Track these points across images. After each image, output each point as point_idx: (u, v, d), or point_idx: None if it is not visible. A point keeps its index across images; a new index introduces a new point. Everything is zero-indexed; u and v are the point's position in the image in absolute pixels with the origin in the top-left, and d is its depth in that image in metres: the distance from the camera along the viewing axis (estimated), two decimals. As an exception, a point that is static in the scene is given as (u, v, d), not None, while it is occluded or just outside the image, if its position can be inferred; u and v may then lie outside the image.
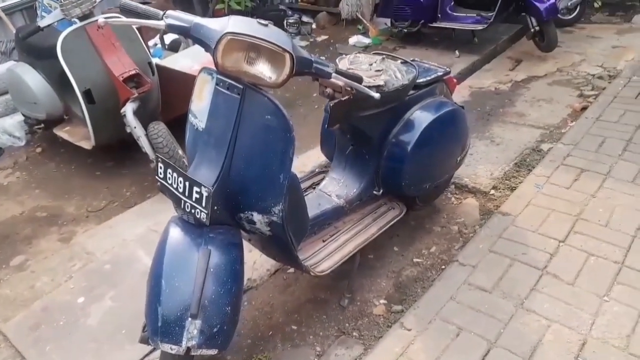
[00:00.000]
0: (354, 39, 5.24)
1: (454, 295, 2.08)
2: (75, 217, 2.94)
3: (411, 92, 2.16)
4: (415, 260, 2.40)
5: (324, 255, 1.97)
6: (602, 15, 5.61)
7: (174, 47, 4.14)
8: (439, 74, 2.29)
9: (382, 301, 2.18)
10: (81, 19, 2.77)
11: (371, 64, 2.03)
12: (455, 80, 2.52)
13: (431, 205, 2.71)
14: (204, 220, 1.48)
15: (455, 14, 4.72)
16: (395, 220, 2.20)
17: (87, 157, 3.43)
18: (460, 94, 4.05)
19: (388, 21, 5.32)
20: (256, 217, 1.58)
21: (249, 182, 1.54)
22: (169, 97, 3.24)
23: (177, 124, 3.21)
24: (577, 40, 4.88)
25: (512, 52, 4.84)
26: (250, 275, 2.32)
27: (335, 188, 2.20)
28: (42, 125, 3.35)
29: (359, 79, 1.65)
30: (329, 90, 1.89)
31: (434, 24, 4.80)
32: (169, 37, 4.14)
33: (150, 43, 4.30)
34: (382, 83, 1.90)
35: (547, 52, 4.50)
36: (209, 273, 1.45)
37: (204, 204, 1.47)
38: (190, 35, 1.45)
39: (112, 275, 2.38)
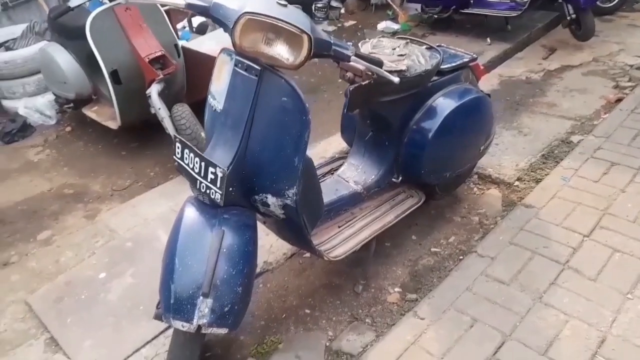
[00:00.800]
0: (382, 25, 5.16)
1: (470, 287, 2.05)
2: (101, 195, 3.02)
3: (434, 78, 2.12)
4: (432, 249, 2.37)
5: (339, 240, 1.97)
6: (647, 3, 5.35)
7: (201, 30, 4.17)
8: (465, 60, 2.24)
9: (396, 289, 2.17)
10: (110, -1, 2.81)
11: (394, 48, 2.00)
12: (482, 67, 2.46)
13: (452, 194, 2.67)
14: (219, 200, 1.50)
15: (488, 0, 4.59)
16: (413, 209, 2.18)
17: (114, 137, 3.51)
18: (490, 83, 3.95)
19: (418, 7, 5.20)
20: (270, 199, 1.59)
21: (264, 164, 1.54)
22: (194, 79, 3.27)
23: (202, 106, 3.24)
24: (616, 29, 4.68)
25: (546, 40, 4.68)
26: (267, 258, 2.34)
27: (354, 174, 2.19)
28: (72, 104, 3.44)
29: (379, 63, 1.63)
30: (349, 74, 1.87)
31: (466, 10, 4.68)
32: (197, 20, 4.18)
33: (179, 26, 4.35)
34: (404, 68, 1.87)
35: (583, 42, 4.34)
36: (222, 253, 1.47)
37: (218, 185, 1.48)
38: (209, 14, 1.45)
39: (133, 252, 2.45)
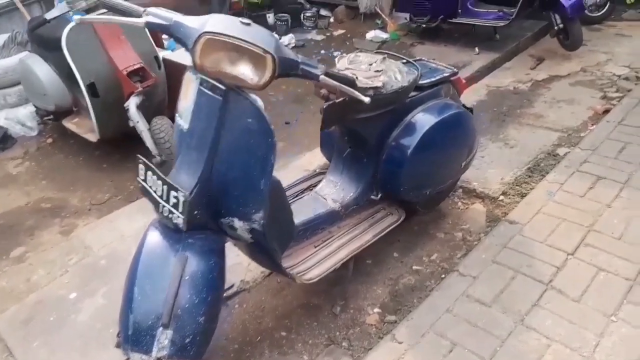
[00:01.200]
0: (371, 34, 5.12)
1: (451, 308, 1.98)
2: (78, 209, 2.94)
3: (413, 93, 2.06)
4: (414, 267, 2.30)
5: (315, 261, 1.89)
6: (635, 12, 5.30)
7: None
8: (445, 74, 2.18)
9: (376, 310, 2.09)
10: (88, 11, 2.74)
11: (371, 64, 1.94)
12: (464, 81, 2.40)
13: (435, 210, 2.61)
14: (181, 226, 1.43)
15: (476, 9, 4.55)
16: (392, 227, 2.11)
17: (95, 149, 3.43)
18: (477, 94, 3.91)
19: (408, 16, 5.16)
20: (237, 223, 1.51)
21: (230, 187, 1.47)
22: (176, 91, 3.18)
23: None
24: (604, 38, 4.64)
25: (534, 49, 4.64)
26: (244, 276, 2.27)
27: (332, 191, 2.12)
28: (52, 116, 3.36)
29: (350, 82, 1.56)
30: (323, 91, 1.81)
31: (454, 20, 4.64)
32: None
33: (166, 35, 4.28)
34: (379, 85, 1.81)
35: (571, 51, 4.30)
36: (184, 281, 1.39)
37: (180, 210, 1.41)
38: (170, 33, 1.39)
39: (107, 271, 2.36)
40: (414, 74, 1.94)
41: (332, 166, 2.20)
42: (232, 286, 2.22)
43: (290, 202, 2.15)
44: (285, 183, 2.42)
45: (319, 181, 2.25)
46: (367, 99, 1.50)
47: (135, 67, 2.80)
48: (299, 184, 2.30)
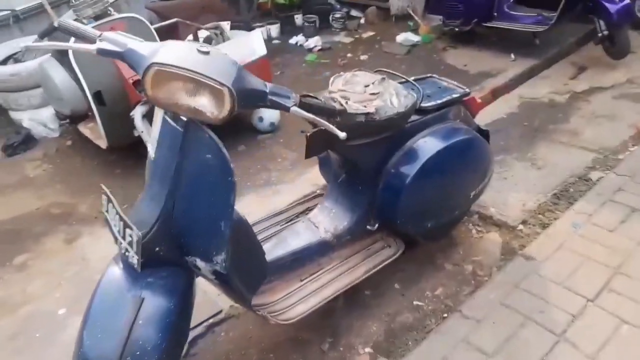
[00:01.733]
0: (401, 37, 4.88)
1: (448, 355, 1.80)
2: (85, 217, 2.92)
3: (415, 117, 1.87)
4: (415, 302, 2.11)
5: (299, 297, 1.75)
6: (696, 15, 4.81)
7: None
8: (454, 96, 1.97)
9: (367, 349, 1.93)
10: (96, 18, 2.69)
11: (367, 85, 1.76)
12: (479, 100, 2.17)
13: (446, 237, 2.40)
14: (136, 266, 1.32)
15: (513, 12, 4.23)
16: (389, 261, 1.93)
17: (110, 154, 3.41)
18: (508, 105, 3.63)
19: (442, 18, 4.88)
20: (199, 263, 1.39)
21: (191, 226, 1.36)
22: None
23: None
24: (657, 45, 4.21)
25: (577, 57, 4.26)
26: (233, 302, 2.15)
27: (325, 219, 1.97)
28: (68, 120, 3.37)
29: (330, 111, 1.41)
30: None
31: (489, 24, 4.33)
32: (204, 34, 4.03)
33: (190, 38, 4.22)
34: (372, 110, 1.64)
35: (617, 60, 3.91)
36: (137, 325, 1.29)
37: (134, 249, 1.30)
38: (125, 61, 1.27)
39: (99, 286, 2.31)
40: (413, 98, 1.74)
41: (328, 191, 2.05)
42: (220, 312, 2.12)
43: (282, 227, 2.03)
44: (290, 199, 2.29)
45: (316, 205, 2.10)
46: (342, 135, 1.34)
47: (143, 75, 2.72)
48: (296, 206, 2.17)
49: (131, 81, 2.71)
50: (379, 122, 1.65)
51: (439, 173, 1.87)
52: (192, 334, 2.03)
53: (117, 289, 1.36)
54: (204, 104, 1.21)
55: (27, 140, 3.68)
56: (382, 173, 1.86)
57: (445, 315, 2.02)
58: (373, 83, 1.78)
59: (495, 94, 3.81)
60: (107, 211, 1.44)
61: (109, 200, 1.41)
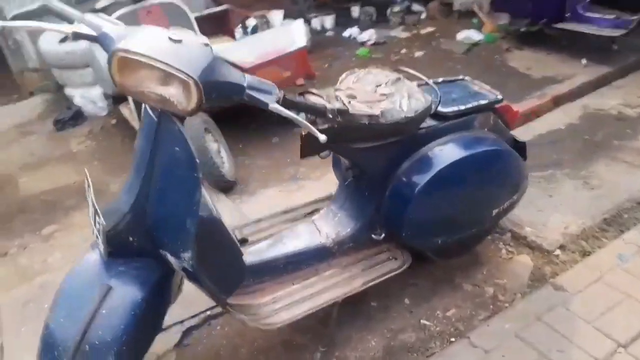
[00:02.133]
0: (462, 34, 4.62)
1: (444, 386, 1.64)
2: (114, 196, 2.99)
3: (432, 123, 1.71)
4: (423, 321, 1.96)
5: (286, 303, 1.66)
6: None
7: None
8: (481, 102, 1.78)
9: (361, 366, 1.82)
10: (135, 1, 2.74)
11: (379, 85, 1.64)
12: (516, 109, 1.96)
13: (470, 253, 2.22)
14: (102, 254, 1.30)
15: (588, 14, 3.85)
16: (391, 275, 1.79)
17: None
18: (568, 115, 3.32)
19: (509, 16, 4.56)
20: (170, 258, 1.35)
21: (160, 220, 1.32)
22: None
23: (227, 117, 3.11)
24: None
25: (660, 67, 3.82)
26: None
27: (329, 223, 1.87)
28: (111, 99, 3.49)
29: (318, 111, 1.31)
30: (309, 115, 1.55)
31: (560, 25, 3.98)
32: (252, 22, 4.02)
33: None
34: (376, 113, 1.51)
35: None
36: (100, 314, 1.27)
37: (101, 237, 1.28)
38: (101, 45, 1.23)
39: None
40: (427, 102, 1.58)
41: (336, 193, 1.94)
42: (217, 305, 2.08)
43: (284, 228, 1.95)
44: (313, 197, 2.18)
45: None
46: (323, 137, 1.23)
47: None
48: (305, 206, 2.08)
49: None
50: (383, 126, 1.52)
51: (454, 185, 1.70)
52: (187, 324, 2.03)
53: (87, 275, 1.35)
54: (173, 94, 1.15)
55: (77, 117, 3.86)
56: (391, 179, 1.72)
57: (453, 339, 1.86)
58: (386, 83, 1.64)
59: (557, 101, 3.50)
60: (87, 196, 1.43)
61: (89, 186, 1.40)
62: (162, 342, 1.93)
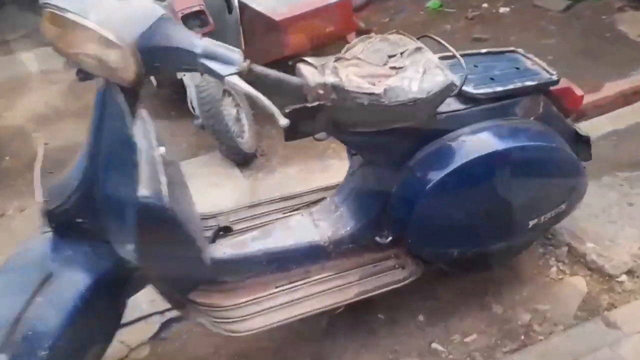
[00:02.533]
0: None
1: None
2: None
3: (459, 107, 1.59)
4: (434, 345, 1.89)
5: (264, 307, 1.66)
6: None
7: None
8: (528, 84, 1.62)
9: (347, 389, 1.80)
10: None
11: (392, 56, 1.53)
12: (579, 93, 1.76)
13: (509, 268, 2.08)
14: (42, 234, 1.36)
15: None
16: (394, 287, 1.72)
17: (167, 96, 3.53)
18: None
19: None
20: (117, 247, 1.37)
21: (105, 203, 1.33)
22: (252, 40, 3.09)
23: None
24: None
25: None
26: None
27: (328, 217, 1.82)
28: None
29: (292, 86, 1.26)
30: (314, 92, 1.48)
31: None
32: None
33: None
34: (378, 91, 1.41)
35: None
36: (36, 303, 1.32)
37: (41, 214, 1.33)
38: None
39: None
40: (445, 82, 1.45)
41: (341, 184, 1.88)
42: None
43: (277, 218, 1.93)
44: (337, 179, 2.12)
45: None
46: (284, 121, 1.17)
47: (194, 9, 2.74)
48: (308, 194, 2.04)
49: (180, 15, 2.75)
50: (387, 108, 1.42)
51: (476, 185, 1.59)
52: (168, 316, 2.08)
53: (31, 257, 1.42)
54: (114, 60, 1.14)
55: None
56: (401, 171, 1.63)
57: (465, 372, 1.78)
58: (402, 53, 1.53)
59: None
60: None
61: (40, 159, 1.45)
62: (139, 333, 2.00)
